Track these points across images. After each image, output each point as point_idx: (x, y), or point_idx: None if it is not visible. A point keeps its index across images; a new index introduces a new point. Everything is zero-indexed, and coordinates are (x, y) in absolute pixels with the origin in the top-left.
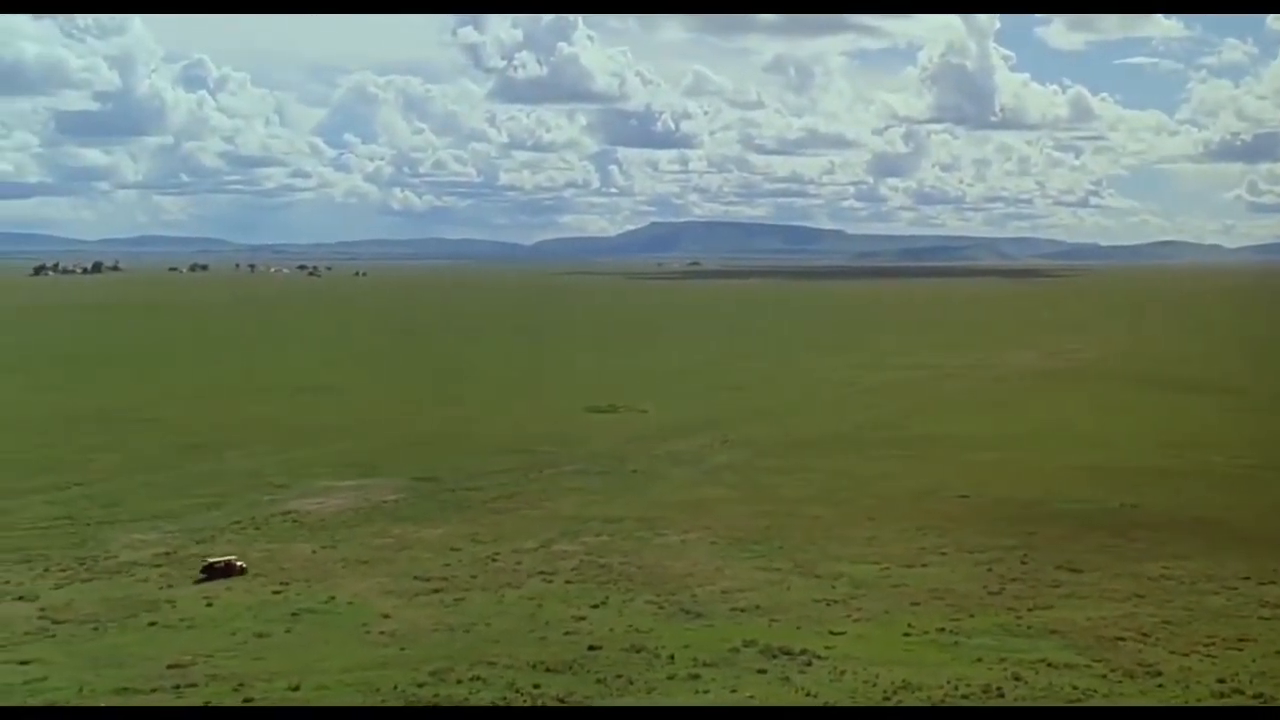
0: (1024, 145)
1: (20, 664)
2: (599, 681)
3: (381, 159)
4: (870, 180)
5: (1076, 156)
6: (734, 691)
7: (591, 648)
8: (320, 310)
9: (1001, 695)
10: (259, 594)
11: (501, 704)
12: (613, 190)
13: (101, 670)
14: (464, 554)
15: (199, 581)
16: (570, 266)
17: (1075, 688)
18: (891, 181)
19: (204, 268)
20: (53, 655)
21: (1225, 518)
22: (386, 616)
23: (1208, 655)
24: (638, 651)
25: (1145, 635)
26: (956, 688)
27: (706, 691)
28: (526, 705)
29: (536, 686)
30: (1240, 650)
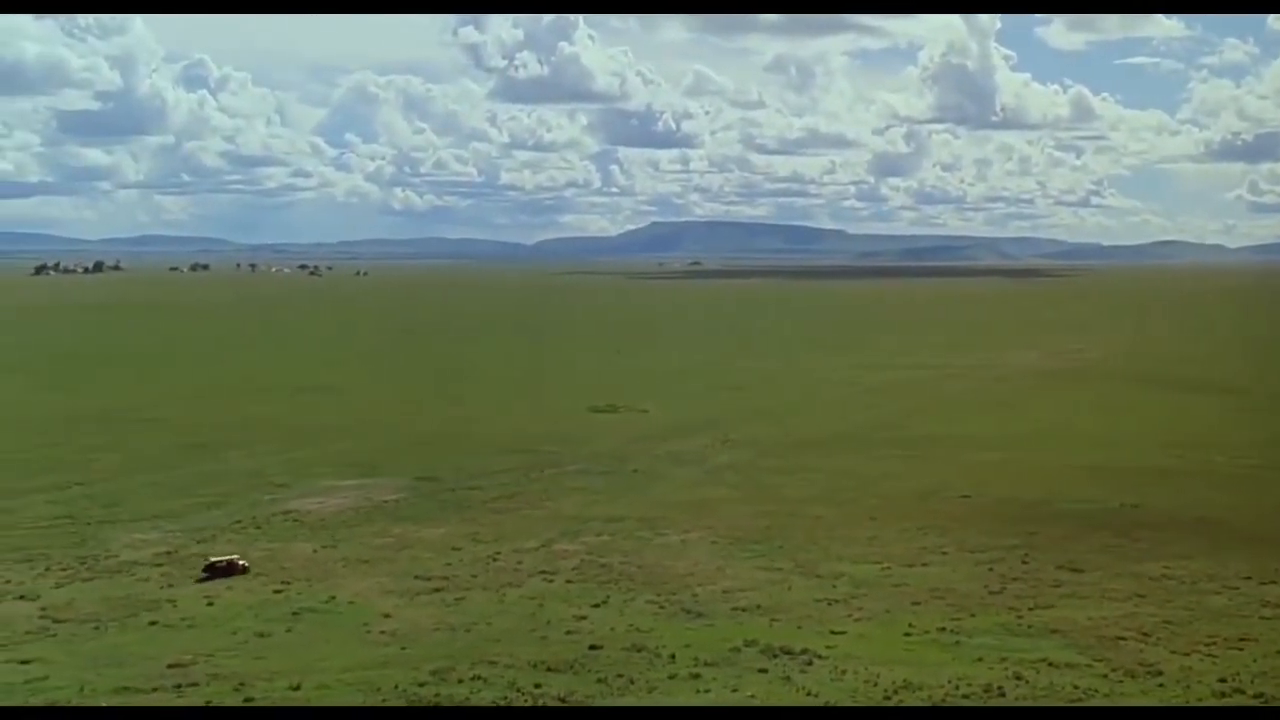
0: (1025, 145)
1: (21, 663)
2: (600, 681)
3: (382, 159)
4: (871, 180)
5: (1078, 156)
6: (735, 691)
7: (592, 647)
8: (321, 310)
9: (1003, 695)
10: (260, 593)
11: (503, 703)
12: (614, 190)
13: (102, 669)
14: (465, 553)
15: (201, 580)
16: (571, 266)
17: (1076, 687)
18: (893, 181)
19: (205, 267)
20: (54, 654)
21: (1227, 518)
22: (387, 616)
23: (1209, 655)
24: (639, 651)
25: (1146, 635)
26: (958, 687)
27: (707, 691)
28: (528, 705)
29: (538, 686)
30: (1241, 650)
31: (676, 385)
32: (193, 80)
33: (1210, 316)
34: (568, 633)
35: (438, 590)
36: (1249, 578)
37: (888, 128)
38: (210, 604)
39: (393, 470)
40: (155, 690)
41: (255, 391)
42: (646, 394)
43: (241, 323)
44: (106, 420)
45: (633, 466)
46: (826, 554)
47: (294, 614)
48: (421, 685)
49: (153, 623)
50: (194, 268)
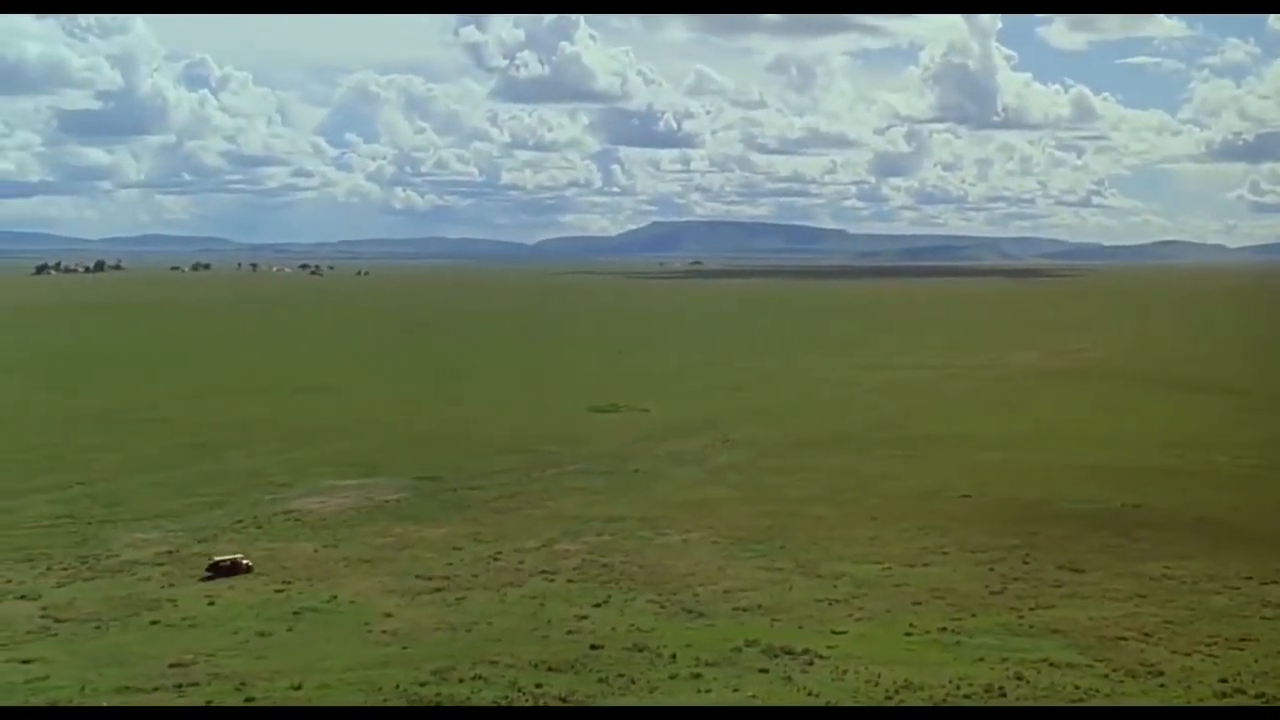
0: (1026, 145)
1: (22, 663)
2: (601, 681)
3: (383, 158)
4: (872, 180)
5: (1079, 156)
6: (736, 691)
7: (593, 647)
8: (322, 310)
9: (1003, 695)
10: (261, 593)
11: (503, 703)
12: (615, 190)
13: (103, 669)
14: (466, 553)
15: (203, 580)
16: (572, 266)
17: (1077, 687)
18: (894, 181)
19: (206, 267)
20: (55, 654)
21: (1228, 518)
22: (388, 615)
23: (1210, 655)
24: (640, 651)
25: (1147, 635)
26: (958, 687)
27: (708, 691)
28: (528, 705)
29: (538, 686)
30: (1242, 650)
31: (677, 385)
32: (194, 80)
33: (1211, 316)
34: (569, 632)
35: (439, 590)
36: (1250, 578)
37: (889, 127)
38: (211, 604)
39: (393, 470)
40: (156, 690)
41: (255, 391)
42: (647, 394)
43: (242, 322)
44: (107, 420)
45: (633, 466)
46: (827, 554)
47: (295, 613)
48: (422, 685)
49: (154, 622)
50: (195, 267)
